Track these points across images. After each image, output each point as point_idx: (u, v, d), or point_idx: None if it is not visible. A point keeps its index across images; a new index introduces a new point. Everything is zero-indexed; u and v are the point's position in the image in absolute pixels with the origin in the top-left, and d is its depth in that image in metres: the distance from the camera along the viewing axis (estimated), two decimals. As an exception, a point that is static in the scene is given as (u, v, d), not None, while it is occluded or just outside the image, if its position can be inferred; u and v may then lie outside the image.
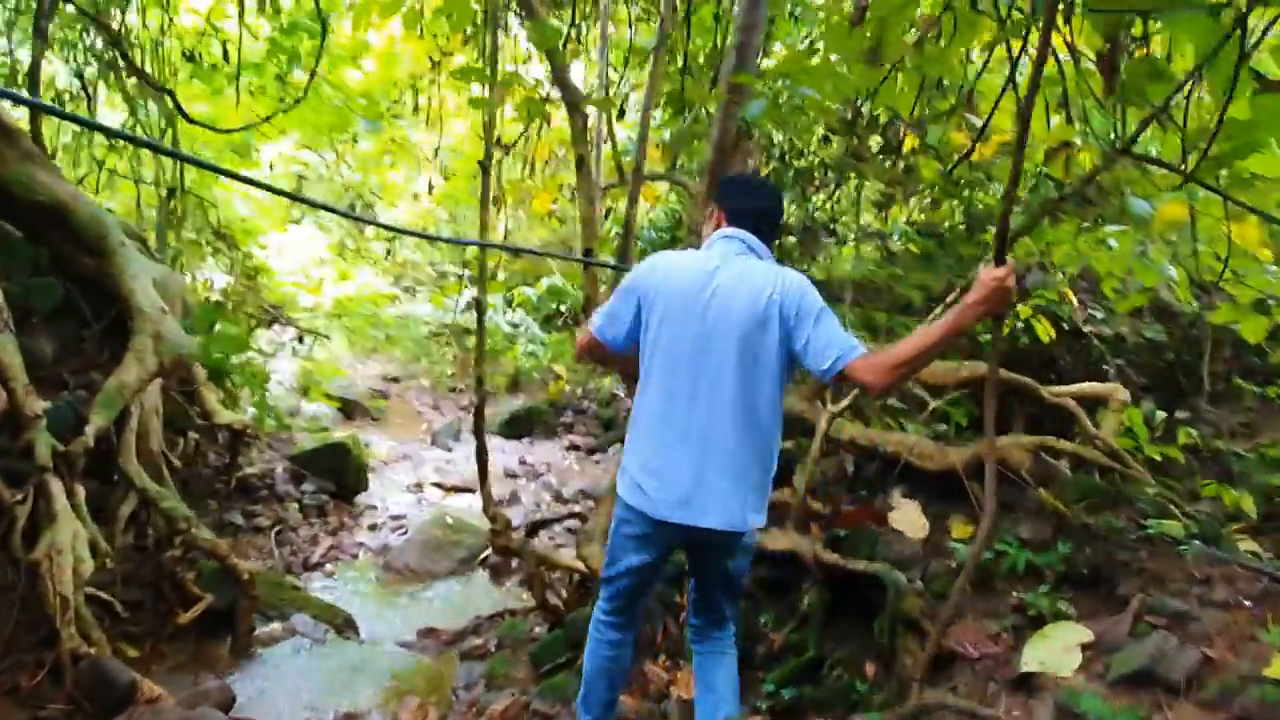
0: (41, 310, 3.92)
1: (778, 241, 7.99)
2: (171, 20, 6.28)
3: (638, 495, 2.46)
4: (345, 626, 4.92)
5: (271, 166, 11.08)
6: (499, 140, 8.82)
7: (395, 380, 12.61)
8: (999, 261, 2.16)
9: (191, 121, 4.83)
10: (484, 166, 4.36)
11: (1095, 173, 2.75)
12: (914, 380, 4.09)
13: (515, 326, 11.64)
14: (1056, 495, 3.25)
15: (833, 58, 3.93)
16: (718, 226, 2.66)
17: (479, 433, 4.34)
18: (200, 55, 6.42)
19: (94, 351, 4.20)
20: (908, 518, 3.45)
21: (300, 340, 7.99)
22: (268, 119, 5.11)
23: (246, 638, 4.44)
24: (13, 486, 3.57)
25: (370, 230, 12.24)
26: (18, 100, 3.86)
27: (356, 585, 6.03)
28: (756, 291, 2.43)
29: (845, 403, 3.84)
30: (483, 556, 6.49)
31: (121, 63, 5.66)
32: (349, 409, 10.89)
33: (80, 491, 3.88)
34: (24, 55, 5.66)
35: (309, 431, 8.69)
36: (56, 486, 3.77)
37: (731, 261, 2.51)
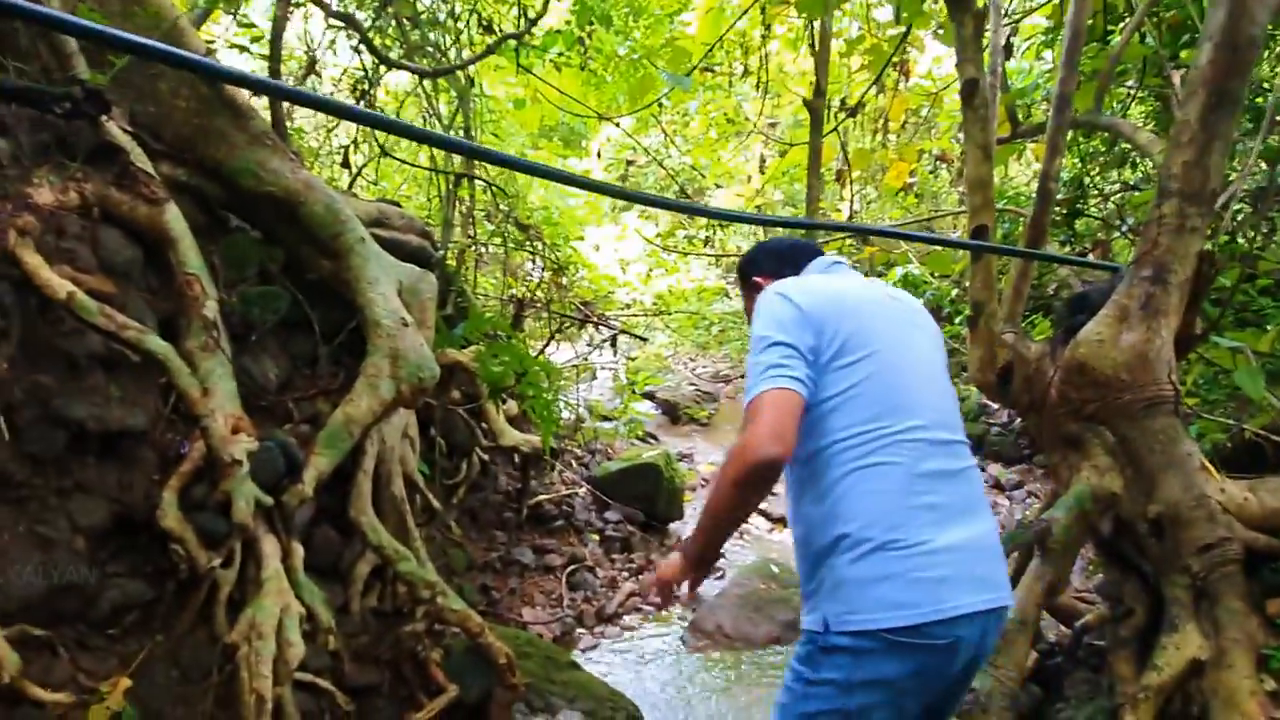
0: (263, 324, 3.20)
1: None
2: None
3: (917, 594, 1.59)
4: (627, 727, 3.80)
5: (599, 155, 10.54)
6: (844, 103, 7.29)
7: (726, 380, 11.60)
8: None
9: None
10: (812, 109, 2.92)
11: None
12: None
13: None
14: None
15: None
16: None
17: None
18: (498, 25, 5.70)
19: (327, 374, 3.46)
20: None
21: (613, 341, 7.20)
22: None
23: (500, 740, 3.48)
24: (213, 547, 2.85)
25: (702, 218, 11.28)
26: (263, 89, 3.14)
27: (655, 651, 4.94)
28: (924, 317, 1.98)
29: None
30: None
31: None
32: (674, 413, 10.06)
33: (298, 552, 3.11)
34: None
35: (631, 438, 7.88)
36: (270, 546, 3.03)
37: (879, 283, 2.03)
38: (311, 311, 3.38)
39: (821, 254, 2.11)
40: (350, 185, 5.01)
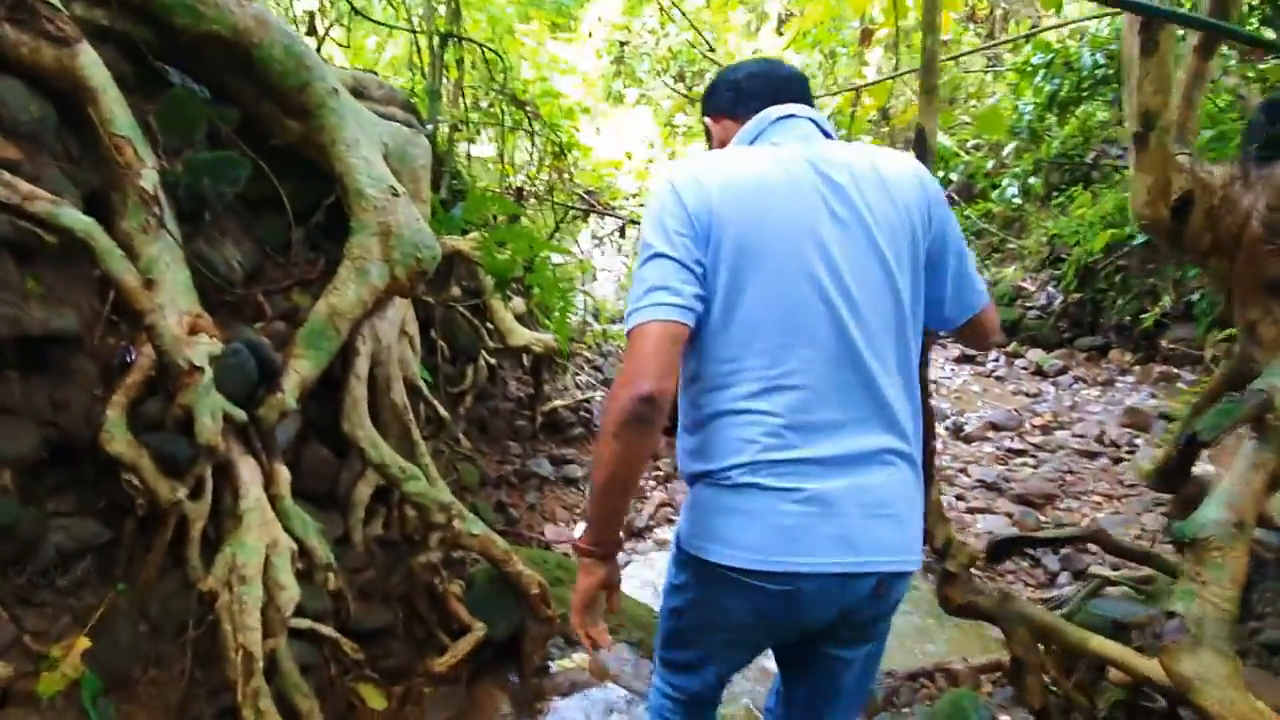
0: (218, 200, 2.57)
1: None
2: None
3: (757, 538, 1.47)
4: (677, 655, 3.34)
5: (590, 35, 9.68)
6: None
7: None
8: None
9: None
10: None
11: None
12: None
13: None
14: None
15: None
16: (724, 141, 1.72)
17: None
18: None
19: (304, 261, 2.84)
20: None
21: (621, 232, 6.56)
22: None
23: (535, 679, 3.03)
24: (176, 475, 2.29)
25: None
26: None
27: (694, 564, 4.48)
28: (897, 184, 1.53)
29: None
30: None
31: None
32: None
33: (284, 476, 2.56)
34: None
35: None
36: (248, 471, 2.48)
37: (824, 147, 1.56)
38: (280, 184, 2.74)
39: (792, 92, 1.69)
40: (317, 52, 4.28)
